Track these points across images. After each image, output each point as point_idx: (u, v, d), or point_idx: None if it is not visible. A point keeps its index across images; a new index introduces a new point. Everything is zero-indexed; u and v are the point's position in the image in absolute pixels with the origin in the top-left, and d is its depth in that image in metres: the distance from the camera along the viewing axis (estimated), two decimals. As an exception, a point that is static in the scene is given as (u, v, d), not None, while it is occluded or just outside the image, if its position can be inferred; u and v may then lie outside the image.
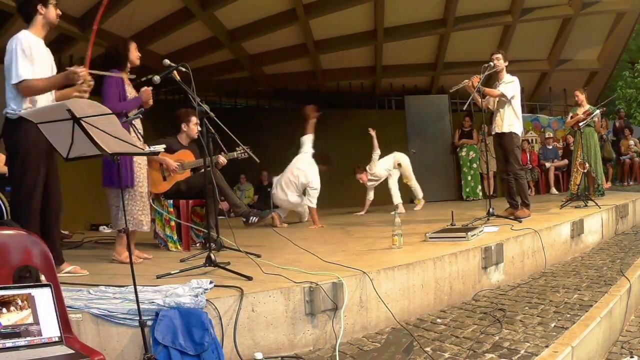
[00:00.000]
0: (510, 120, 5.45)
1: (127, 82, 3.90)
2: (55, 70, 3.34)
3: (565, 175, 9.84)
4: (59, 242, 3.51)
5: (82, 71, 3.11)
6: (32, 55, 3.11)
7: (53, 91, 3.29)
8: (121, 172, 3.70)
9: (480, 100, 5.45)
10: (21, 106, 3.11)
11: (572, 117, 7.28)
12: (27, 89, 3.09)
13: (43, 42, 3.29)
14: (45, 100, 3.22)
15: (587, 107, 7.20)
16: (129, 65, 3.88)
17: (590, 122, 7.01)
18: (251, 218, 4.42)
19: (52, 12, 3.26)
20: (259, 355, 2.52)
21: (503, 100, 5.45)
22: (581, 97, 7.27)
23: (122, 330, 2.34)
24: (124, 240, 3.84)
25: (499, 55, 5.50)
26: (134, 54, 3.89)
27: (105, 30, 7.57)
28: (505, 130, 5.45)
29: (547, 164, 10.37)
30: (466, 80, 5.35)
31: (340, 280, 2.80)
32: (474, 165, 10.16)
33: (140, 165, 3.87)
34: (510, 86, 5.44)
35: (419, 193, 8.29)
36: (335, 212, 7.83)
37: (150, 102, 3.83)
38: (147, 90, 3.79)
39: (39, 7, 3.21)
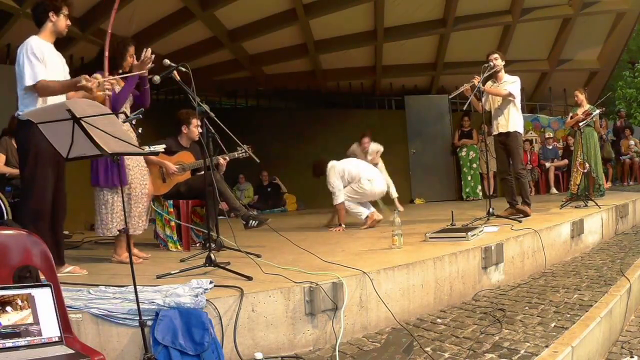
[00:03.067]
0: (514, 119, 5.45)
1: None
2: (67, 70, 3.40)
3: (565, 175, 9.84)
4: (63, 243, 3.54)
5: (92, 82, 3.13)
6: (44, 58, 3.17)
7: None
8: (100, 171, 3.71)
9: (477, 102, 5.43)
10: (32, 108, 3.14)
11: (571, 118, 7.29)
12: (44, 89, 3.14)
13: (52, 46, 3.35)
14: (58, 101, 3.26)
15: (586, 107, 7.20)
16: (120, 70, 3.84)
17: (590, 122, 7.02)
18: (251, 222, 4.42)
19: (63, 22, 3.34)
20: (259, 355, 2.52)
21: (507, 100, 5.43)
22: (581, 97, 7.27)
23: (122, 330, 2.34)
24: (122, 240, 3.86)
25: (496, 55, 5.50)
26: (127, 60, 3.84)
27: (104, 30, 7.56)
28: (510, 129, 5.44)
29: (547, 164, 10.37)
30: (465, 85, 5.33)
31: (340, 280, 2.80)
32: (474, 165, 10.17)
33: (129, 166, 3.80)
34: (514, 85, 5.44)
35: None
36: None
37: (144, 69, 3.71)
38: (138, 63, 3.71)
39: (51, 14, 3.29)
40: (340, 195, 5.66)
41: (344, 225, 5.72)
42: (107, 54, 3.48)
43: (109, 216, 3.73)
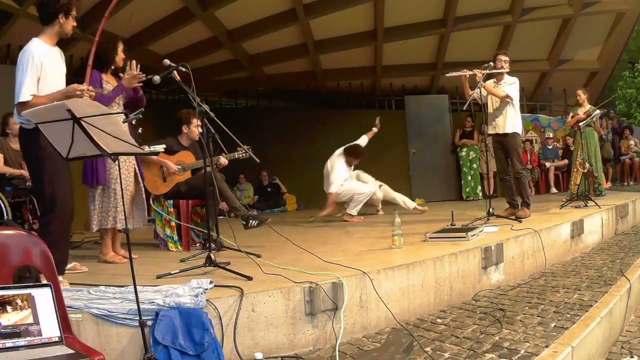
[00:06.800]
0: (513, 120, 5.44)
1: (109, 78, 3.88)
2: (64, 71, 3.35)
3: (565, 175, 9.84)
4: (68, 245, 3.54)
5: (83, 88, 3.11)
6: (42, 68, 3.10)
7: None
8: (88, 169, 3.75)
9: (472, 92, 5.36)
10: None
11: (572, 117, 7.28)
12: (28, 108, 3.05)
13: (56, 48, 3.29)
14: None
15: (587, 107, 7.20)
16: (112, 67, 3.88)
17: (590, 122, 7.01)
18: (251, 222, 4.41)
19: (70, 25, 3.27)
20: (259, 355, 2.52)
21: (506, 101, 5.43)
22: (583, 97, 7.26)
23: (122, 330, 2.34)
24: (107, 240, 3.92)
25: (507, 59, 5.47)
26: (120, 56, 3.88)
27: (104, 30, 7.55)
28: (508, 130, 5.43)
29: (547, 164, 10.37)
30: (465, 70, 5.26)
31: (340, 280, 2.80)
32: (474, 166, 10.16)
33: (111, 163, 3.78)
34: (513, 87, 5.43)
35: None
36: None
37: (134, 84, 3.74)
38: (127, 75, 3.73)
39: (61, 16, 3.20)
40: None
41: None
42: (90, 61, 3.47)
43: (95, 212, 3.81)
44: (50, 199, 3.14)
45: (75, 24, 3.33)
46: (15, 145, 5.64)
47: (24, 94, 3.03)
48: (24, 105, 3.03)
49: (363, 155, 6.75)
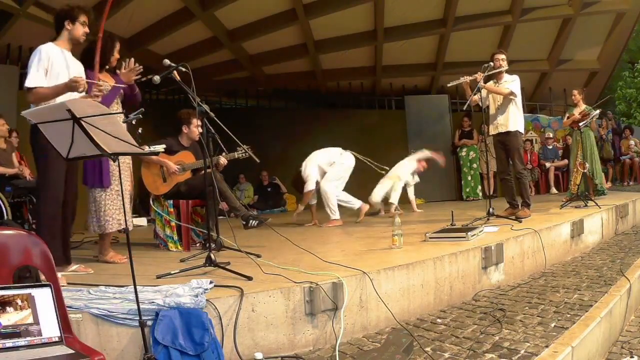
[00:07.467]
0: (516, 118, 5.42)
1: (106, 77, 3.87)
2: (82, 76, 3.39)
3: (565, 175, 9.85)
4: (69, 244, 3.56)
5: (81, 80, 3.18)
6: (49, 65, 3.20)
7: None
8: (89, 170, 3.75)
9: (474, 97, 5.38)
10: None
11: (568, 117, 7.29)
12: (33, 96, 3.19)
13: (69, 54, 3.39)
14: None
15: (583, 107, 7.20)
16: (107, 66, 3.90)
17: (588, 122, 7.01)
18: (251, 222, 4.41)
19: (79, 30, 3.40)
20: (259, 355, 2.52)
21: (509, 99, 5.40)
22: (578, 97, 7.26)
23: (122, 330, 2.34)
24: (107, 241, 3.92)
25: (504, 57, 5.48)
26: (115, 56, 3.91)
27: (104, 30, 7.56)
28: (511, 129, 5.41)
29: (547, 164, 10.38)
30: (466, 77, 5.29)
31: (340, 280, 2.80)
32: (474, 166, 10.17)
33: (112, 164, 3.80)
34: (515, 84, 5.42)
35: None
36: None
37: (132, 78, 3.76)
38: (124, 70, 3.75)
39: (66, 22, 3.36)
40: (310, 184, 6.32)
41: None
42: (97, 58, 3.49)
43: (100, 214, 3.78)
44: (43, 188, 3.23)
45: (87, 30, 3.44)
46: (2, 145, 5.69)
47: (29, 80, 3.15)
48: (30, 91, 3.15)
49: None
